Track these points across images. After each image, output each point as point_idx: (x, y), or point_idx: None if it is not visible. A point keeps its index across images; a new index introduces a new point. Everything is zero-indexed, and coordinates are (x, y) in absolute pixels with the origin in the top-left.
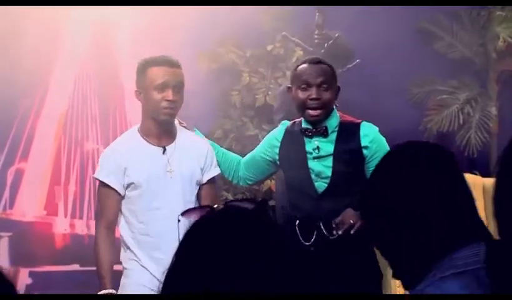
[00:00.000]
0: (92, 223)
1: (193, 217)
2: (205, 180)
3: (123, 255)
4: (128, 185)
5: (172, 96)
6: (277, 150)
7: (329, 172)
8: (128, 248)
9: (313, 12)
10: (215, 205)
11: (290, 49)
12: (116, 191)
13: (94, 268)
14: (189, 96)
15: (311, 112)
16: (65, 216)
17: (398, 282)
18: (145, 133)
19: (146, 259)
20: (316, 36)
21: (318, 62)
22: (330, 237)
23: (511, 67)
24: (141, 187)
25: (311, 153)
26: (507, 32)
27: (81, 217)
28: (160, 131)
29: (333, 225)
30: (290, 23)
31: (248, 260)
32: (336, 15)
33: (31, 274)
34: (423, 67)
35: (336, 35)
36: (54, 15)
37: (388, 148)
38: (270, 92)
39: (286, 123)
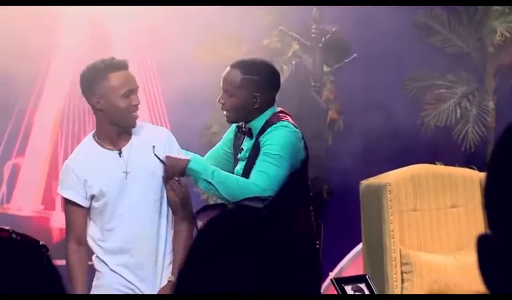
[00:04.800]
0: None
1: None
2: None
3: (94, 257)
4: (92, 197)
5: (137, 100)
6: (231, 143)
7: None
8: (97, 254)
9: (311, 7)
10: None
11: (286, 43)
12: (80, 205)
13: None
14: (186, 91)
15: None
16: (63, 210)
17: (394, 281)
18: (102, 139)
19: (114, 263)
20: (313, 31)
21: (232, 66)
22: None
23: (508, 62)
24: (105, 196)
25: (240, 153)
26: (505, 26)
27: None
28: (119, 134)
29: None
30: (287, 17)
31: (259, 258)
32: (334, 10)
33: None
34: (420, 61)
35: (334, 29)
36: (51, 11)
37: (279, 143)
38: None
39: None
